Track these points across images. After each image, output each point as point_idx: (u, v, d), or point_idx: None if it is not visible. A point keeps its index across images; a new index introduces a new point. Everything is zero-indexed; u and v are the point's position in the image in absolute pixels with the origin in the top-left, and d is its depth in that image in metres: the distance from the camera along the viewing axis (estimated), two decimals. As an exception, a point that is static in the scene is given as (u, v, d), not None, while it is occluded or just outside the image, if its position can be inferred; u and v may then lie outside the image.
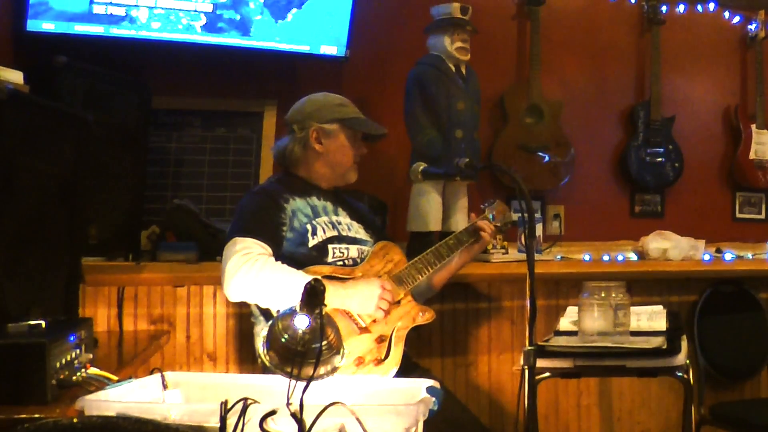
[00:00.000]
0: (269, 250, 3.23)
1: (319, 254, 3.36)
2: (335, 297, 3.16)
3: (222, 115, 4.62)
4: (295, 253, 3.31)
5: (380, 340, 3.26)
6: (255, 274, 3.10)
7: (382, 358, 3.23)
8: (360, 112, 3.64)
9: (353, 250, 3.48)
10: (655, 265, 4.94)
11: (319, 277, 2.68)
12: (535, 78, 5.17)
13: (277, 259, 3.22)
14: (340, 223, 3.52)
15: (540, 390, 3.59)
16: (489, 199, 3.95)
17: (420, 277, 3.48)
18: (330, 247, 3.40)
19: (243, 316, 4.06)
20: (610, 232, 5.41)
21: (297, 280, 3.07)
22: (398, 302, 3.37)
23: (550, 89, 5.26)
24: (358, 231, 3.59)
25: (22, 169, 2.53)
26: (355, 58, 4.65)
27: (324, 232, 3.42)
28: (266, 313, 3.31)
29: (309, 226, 3.40)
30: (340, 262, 3.40)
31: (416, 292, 3.56)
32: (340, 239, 3.46)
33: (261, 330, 3.34)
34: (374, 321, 3.26)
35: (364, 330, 3.23)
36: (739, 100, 5.83)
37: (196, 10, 4.22)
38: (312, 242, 3.37)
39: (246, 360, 4.09)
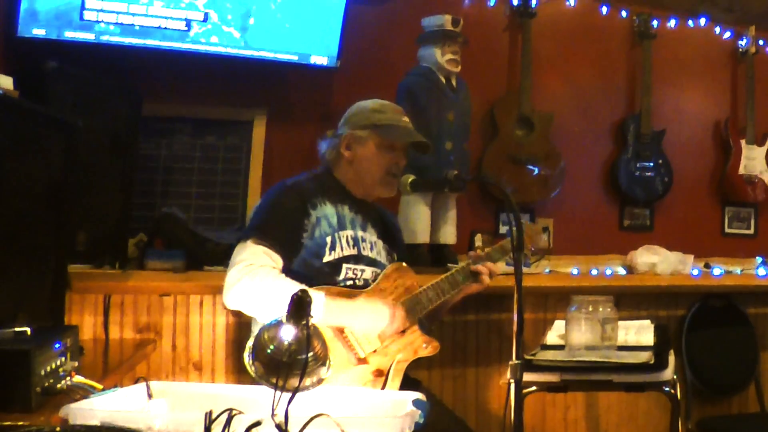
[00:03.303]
0: (279, 262, 3.14)
1: (331, 271, 3.27)
2: (342, 315, 3.12)
3: (212, 124, 4.61)
4: (308, 263, 3.23)
5: (378, 374, 3.17)
6: (255, 287, 3.01)
7: None
8: (401, 120, 3.49)
9: (368, 272, 3.38)
10: (643, 279, 4.95)
11: (306, 288, 2.64)
12: (526, 90, 5.18)
13: (290, 267, 3.17)
14: (364, 240, 3.40)
15: (527, 403, 3.57)
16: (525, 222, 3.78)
17: (430, 306, 3.39)
18: (344, 266, 3.30)
19: (230, 326, 4.05)
20: (599, 245, 5.41)
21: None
22: (402, 332, 3.28)
23: (540, 101, 5.26)
24: (380, 252, 3.47)
25: (10, 173, 2.53)
26: (345, 68, 4.65)
27: (342, 249, 3.31)
28: None
29: (329, 239, 3.28)
30: (350, 282, 3.30)
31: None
32: (357, 259, 3.35)
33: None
34: (374, 351, 3.18)
35: (362, 361, 3.14)
36: (729, 115, 5.85)
37: (187, 18, 4.21)
38: (327, 257, 3.26)
39: (232, 370, 4.07)
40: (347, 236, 3.35)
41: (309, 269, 3.22)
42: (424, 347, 3.34)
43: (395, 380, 3.20)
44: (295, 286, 2.97)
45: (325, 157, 3.50)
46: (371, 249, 3.43)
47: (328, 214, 3.32)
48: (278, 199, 3.32)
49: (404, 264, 3.48)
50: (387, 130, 3.42)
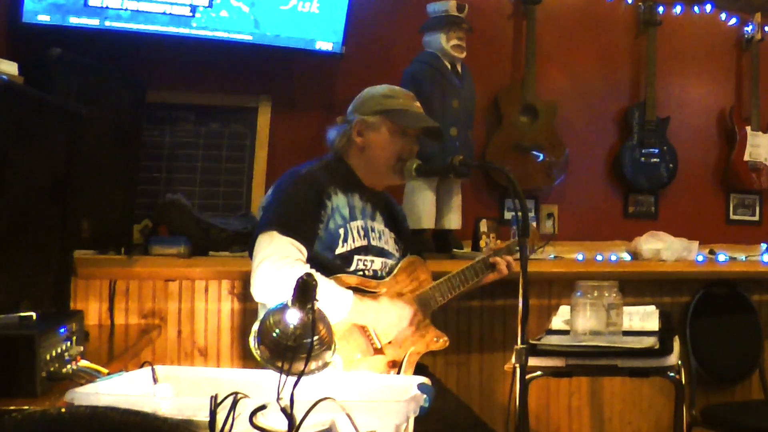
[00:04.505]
0: (305, 253, 3.15)
1: (342, 263, 3.28)
2: (365, 314, 3.15)
3: (216, 110, 4.60)
4: (320, 256, 3.23)
5: (392, 365, 3.23)
6: (285, 282, 2.94)
7: None
8: (413, 105, 3.49)
9: (377, 263, 3.39)
10: (648, 265, 4.95)
11: (311, 272, 2.64)
12: (531, 77, 5.17)
13: (309, 257, 3.17)
14: (373, 230, 3.42)
15: (531, 390, 3.59)
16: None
17: (443, 300, 3.44)
18: (355, 257, 3.31)
19: (234, 311, 4.06)
20: (604, 232, 5.41)
21: (330, 291, 3.04)
22: (416, 325, 3.33)
23: (545, 89, 5.26)
24: (387, 241, 3.48)
25: (15, 161, 2.52)
26: (350, 54, 4.64)
27: (354, 241, 3.31)
28: None
29: (342, 231, 3.28)
30: (360, 274, 3.32)
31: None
32: (367, 250, 3.36)
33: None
34: (390, 343, 3.23)
35: (379, 351, 3.20)
36: (734, 102, 5.83)
37: (192, 4, 4.20)
38: (340, 249, 3.27)
39: (237, 355, 4.08)
40: (358, 227, 3.36)
41: (321, 261, 3.22)
42: (435, 341, 3.39)
43: (408, 372, 3.25)
44: (327, 282, 3.04)
45: (335, 144, 3.48)
46: (380, 238, 3.44)
47: (341, 205, 3.32)
48: (296, 190, 3.30)
49: (419, 257, 3.52)
50: (399, 115, 3.40)
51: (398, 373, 3.22)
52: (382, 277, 3.37)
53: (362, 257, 3.34)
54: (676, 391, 3.56)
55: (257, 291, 3.10)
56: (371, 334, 3.19)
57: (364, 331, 3.18)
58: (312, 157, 3.54)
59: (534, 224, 3.75)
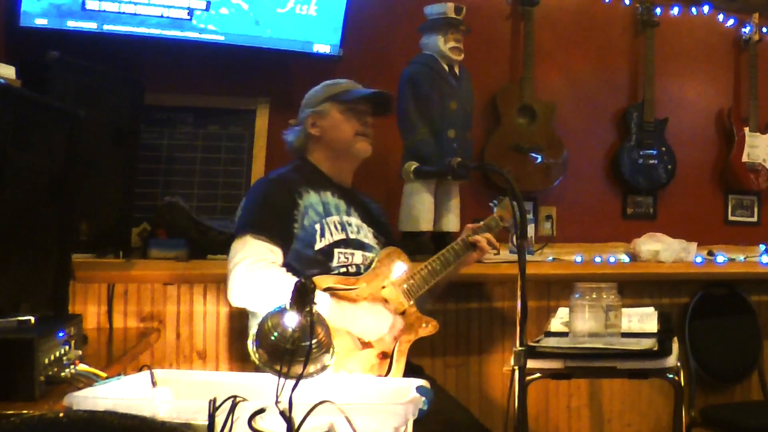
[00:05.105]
0: (279, 254, 3.19)
1: (324, 258, 3.31)
2: (344, 317, 3.14)
3: (214, 113, 4.60)
4: (301, 254, 3.27)
5: (383, 356, 3.23)
6: (260, 285, 3.06)
7: (384, 374, 3.20)
8: (356, 85, 3.59)
9: (358, 256, 3.41)
10: (646, 267, 4.95)
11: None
12: (529, 78, 5.17)
13: (285, 258, 3.20)
14: (350, 224, 3.45)
15: (530, 392, 3.58)
16: (498, 197, 3.87)
17: (425, 286, 3.43)
18: (336, 251, 3.34)
19: (233, 314, 4.05)
20: (602, 233, 5.41)
21: None
22: (402, 313, 3.34)
23: (543, 90, 5.26)
24: (366, 235, 3.52)
25: (13, 164, 2.52)
26: (348, 56, 4.64)
27: (332, 235, 3.35)
28: None
29: (318, 227, 3.33)
30: (344, 269, 3.34)
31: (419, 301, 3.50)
32: (347, 243, 3.39)
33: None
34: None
35: (366, 345, 3.20)
36: (732, 103, 5.83)
37: (189, 7, 4.20)
38: (319, 245, 3.31)
39: (236, 358, 4.08)
40: (334, 222, 3.40)
41: (302, 259, 3.26)
42: (425, 326, 3.41)
43: (400, 361, 3.27)
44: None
45: (294, 145, 3.59)
46: (358, 232, 3.48)
47: (314, 203, 3.37)
48: (267, 193, 3.38)
49: (396, 248, 3.52)
50: (344, 94, 3.52)
51: (390, 363, 3.24)
52: (362, 273, 3.39)
53: (342, 250, 3.37)
54: (676, 392, 3.57)
55: (233, 295, 3.15)
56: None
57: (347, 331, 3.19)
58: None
59: (507, 200, 3.74)
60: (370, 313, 3.23)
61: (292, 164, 3.60)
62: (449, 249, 3.56)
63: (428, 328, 3.41)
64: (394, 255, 3.46)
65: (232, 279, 3.11)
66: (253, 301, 3.12)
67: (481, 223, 3.72)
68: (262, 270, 3.08)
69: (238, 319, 4.06)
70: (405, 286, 3.38)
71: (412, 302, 3.39)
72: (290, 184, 3.37)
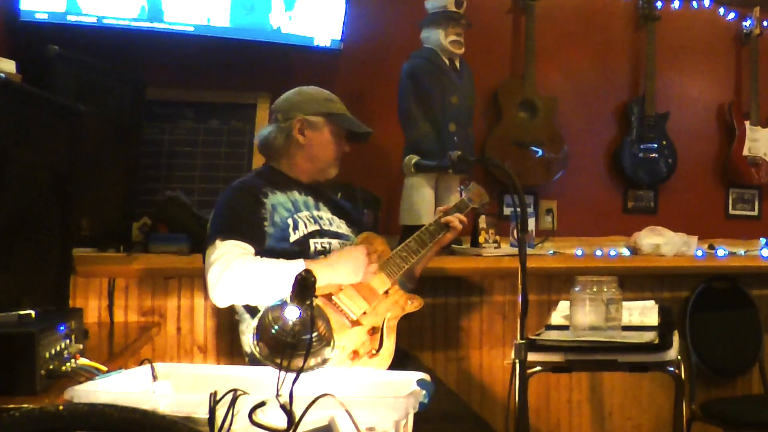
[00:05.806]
0: (250, 249, 3.21)
1: (300, 249, 3.34)
2: (323, 273, 3.14)
3: (215, 107, 4.60)
4: (276, 248, 3.29)
5: (372, 331, 3.25)
6: (236, 278, 3.09)
7: (376, 349, 3.22)
8: (347, 111, 3.62)
9: (335, 244, 3.45)
10: (647, 260, 4.95)
11: (309, 268, 2.66)
12: (530, 73, 5.17)
13: (258, 255, 3.22)
14: (321, 218, 3.50)
15: (531, 385, 3.58)
16: (465, 182, 3.92)
17: (405, 265, 3.46)
18: (311, 241, 3.38)
19: (233, 309, 4.05)
20: (603, 227, 5.41)
21: (281, 268, 3.10)
22: (386, 292, 3.37)
23: (544, 84, 5.26)
24: (339, 226, 3.57)
25: (14, 159, 2.52)
26: (349, 50, 4.65)
27: (306, 226, 3.40)
28: (251, 311, 3.30)
29: (290, 221, 3.37)
30: (322, 256, 3.36)
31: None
32: (321, 233, 3.44)
33: (246, 328, 3.38)
34: (364, 313, 3.25)
35: (356, 323, 3.22)
36: (733, 97, 5.84)
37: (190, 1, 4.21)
38: (293, 237, 3.35)
39: (236, 353, 4.07)
40: (305, 216, 3.45)
41: (278, 253, 3.28)
42: (410, 303, 3.44)
43: (390, 336, 3.29)
44: (276, 262, 3.14)
45: (268, 141, 3.58)
46: (330, 224, 3.53)
47: (281, 201, 3.42)
48: (231, 199, 3.41)
49: (372, 232, 3.59)
50: (341, 119, 3.57)
51: (381, 339, 3.25)
52: None
53: (318, 240, 3.41)
54: (676, 385, 3.56)
55: (215, 296, 3.16)
56: (343, 308, 3.23)
57: (336, 307, 3.21)
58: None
59: (473, 184, 3.80)
60: (343, 257, 3.28)
61: (255, 171, 3.70)
62: (424, 230, 3.61)
63: (414, 303, 3.44)
64: (371, 238, 3.51)
65: (209, 281, 3.14)
66: (235, 294, 3.16)
67: (451, 205, 3.76)
68: (235, 262, 3.11)
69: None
70: (386, 265, 3.42)
71: (395, 280, 3.42)
72: (253, 187, 3.42)
